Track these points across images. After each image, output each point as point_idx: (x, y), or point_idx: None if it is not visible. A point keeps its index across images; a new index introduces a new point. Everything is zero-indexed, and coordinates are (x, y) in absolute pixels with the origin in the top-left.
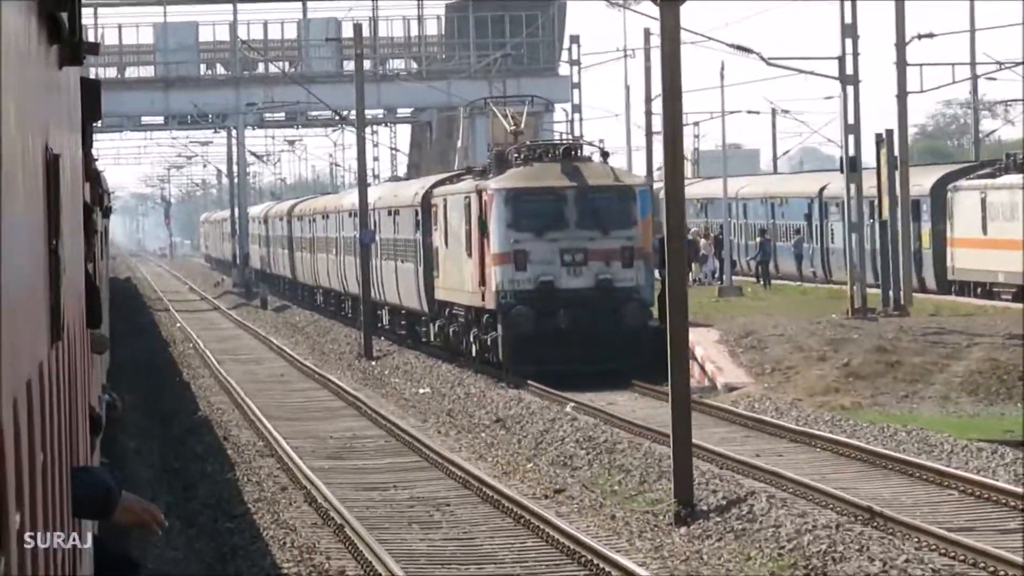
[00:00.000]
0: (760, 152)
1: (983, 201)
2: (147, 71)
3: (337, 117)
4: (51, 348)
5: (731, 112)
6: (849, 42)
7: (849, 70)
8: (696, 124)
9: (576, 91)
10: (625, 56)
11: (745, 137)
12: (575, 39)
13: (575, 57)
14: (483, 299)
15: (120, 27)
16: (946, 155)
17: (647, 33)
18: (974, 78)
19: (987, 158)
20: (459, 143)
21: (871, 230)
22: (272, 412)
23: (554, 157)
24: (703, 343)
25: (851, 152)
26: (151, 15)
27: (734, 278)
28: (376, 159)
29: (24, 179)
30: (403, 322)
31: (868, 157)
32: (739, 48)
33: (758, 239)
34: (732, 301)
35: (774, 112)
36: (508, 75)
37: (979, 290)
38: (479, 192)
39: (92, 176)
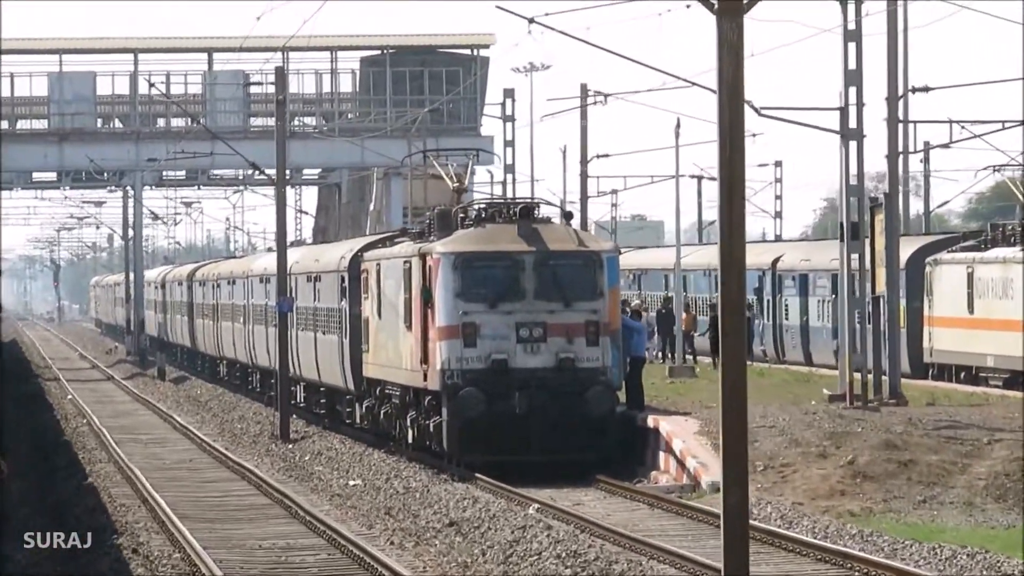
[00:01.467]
0: (664, 224)
1: (970, 276)
2: (41, 124)
3: (241, 175)
4: None
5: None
6: (853, 91)
7: (852, 123)
8: (614, 192)
9: (509, 149)
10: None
11: (651, 207)
12: (509, 93)
13: (508, 112)
14: (425, 379)
15: (12, 76)
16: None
17: (583, 89)
18: (927, 150)
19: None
20: (371, 206)
21: (833, 307)
22: (186, 510)
23: (509, 218)
24: (681, 434)
25: (854, 217)
26: (46, 64)
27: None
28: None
29: None
30: (322, 400)
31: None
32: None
33: (709, 314)
34: (688, 383)
35: (700, 179)
36: (428, 134)
37: (963, 374)
38: (423, 256)
39: None
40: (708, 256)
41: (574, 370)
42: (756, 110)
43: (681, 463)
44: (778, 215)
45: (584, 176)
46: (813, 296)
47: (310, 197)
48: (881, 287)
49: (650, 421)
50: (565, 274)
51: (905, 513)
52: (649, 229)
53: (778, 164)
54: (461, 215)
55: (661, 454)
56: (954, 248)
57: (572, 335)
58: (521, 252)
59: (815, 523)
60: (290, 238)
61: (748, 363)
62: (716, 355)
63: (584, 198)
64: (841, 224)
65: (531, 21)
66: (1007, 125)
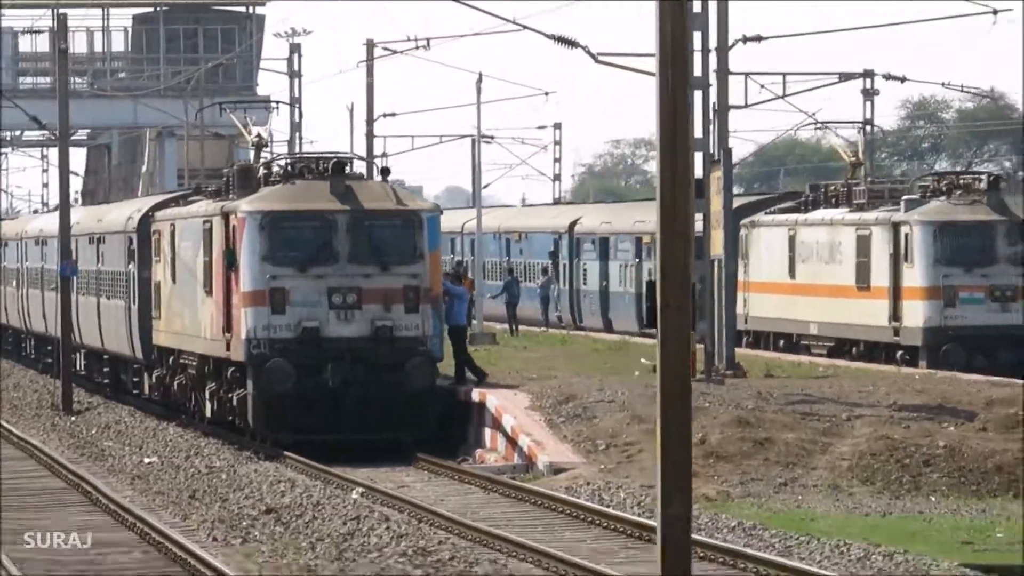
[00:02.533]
0: (422, 188)
1: (792, 239)
2: None
3: (9, 136)
4: None
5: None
6: (698, 36)
7: (697, 71)
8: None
9: (296, 108)
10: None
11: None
12: (296, 48)
13: (296, 68)
14: (228, 348)
15: None
16: (621, 195)
17: (370, 44)
18: (721, 111)
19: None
20: (144, 167)
21: (637, 271)
22: None
23: (320, 174)
24: (512, 410)
25: (698, 173)
26: None
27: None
28: (46, 185)
29: None
30: (106, 369)
31: None
32: (564, 41)
33: (505, 279)
34: (492, 350)
35: (474, 142)
36: (204, 93)
37: (781, 342)
38: (225, 216)
39: None
40: (498, 220)
41: (392, 340)
42: (593, 56)
43: (512, 441)
44: (557, 178)
45: (369, 137)
46: (614, 260)
47: (78, 160)
48: (718, 250)
49: (475, 395)
50: (382, 235)
51: (766, 497)
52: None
53: (557, 126)
54: (265, 171)
55: (487, 430)
56: (772, 210)
57: (390, 302)
58: (334, 211)
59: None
60: (56, 200)
61: (544, 329)
62: (513, 321)
63: (370, 158)
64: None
65: None
66: (841, 78)
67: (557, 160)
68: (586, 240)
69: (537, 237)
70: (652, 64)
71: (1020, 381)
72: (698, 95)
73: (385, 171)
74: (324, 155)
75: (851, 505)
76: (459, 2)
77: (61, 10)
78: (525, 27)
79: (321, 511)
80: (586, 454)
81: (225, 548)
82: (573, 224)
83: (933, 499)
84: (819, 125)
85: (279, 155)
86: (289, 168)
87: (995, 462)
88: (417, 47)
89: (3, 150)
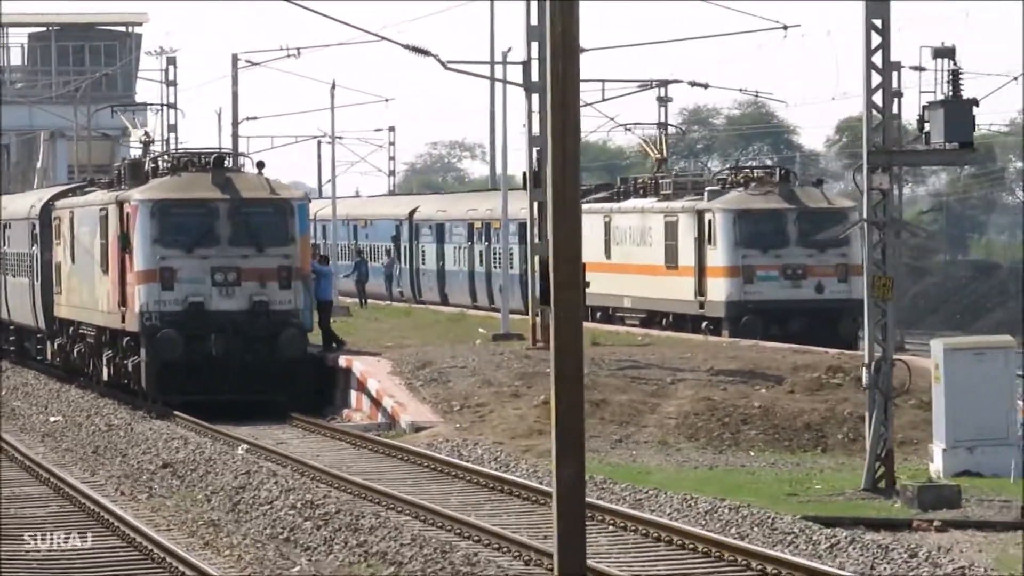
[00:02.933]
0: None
1: (607, 225)
2: None
3: None
4: None
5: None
6: (536, 46)
7: (535, 76)
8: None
9: (173, 112)
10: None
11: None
12: (172, 60)
13: (171, 78)
14: (123, 320)
15: None
16: (439, 189)
17: (234, 58)
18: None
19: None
20: (39, 164)
21: (469, 252)
22: None
23: (203, 167)
24: (376, 375)
25: (535, 167)
26: None
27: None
28: None
29: None
30: (11, 338)
31: None
32: (416, 49)
33: (355, 259)
34: (347, 321)
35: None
36: (90, 100)
37: (599, 314)
38: (120, 204)
39: None
40: (345, 208)
41: (268, 313)
42: (443, 64)
43: (376, 402)
44: (392, 173)
45: (235, 137)
46: (450, 243)
47: None
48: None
49: (342, 361)
50: (258, 221)
51: (604, 452)
52: None
53: (391, 129)
54: (153, 165)
55: (353, 393)
56: (587, 199)
57: (265, 279)
58: (216, 200)
59: (530, 466)
60: None
61: (388, 303)
62: (363, 296)
63: (235, 156)
64: (525, 173)
65: None
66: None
67: (392, 158)
68: (424, 226)
69: (381, 224)
70: (487, 70)
71: (819, 349)
72: (535, 97)
73: (260, 164)
74: (206, 151)
75: (680, 460)
76: (325, 16)
77: None
78: (383, 38)
79: (213, 466)
80: (443, 414)
81: (132, 502)
82: (412, 212)
83: (752, 454)
84: (627, 127)
85: (165, 151)
86: (175, 162)
87: (803, 420)
88: (288, 55)
89: None
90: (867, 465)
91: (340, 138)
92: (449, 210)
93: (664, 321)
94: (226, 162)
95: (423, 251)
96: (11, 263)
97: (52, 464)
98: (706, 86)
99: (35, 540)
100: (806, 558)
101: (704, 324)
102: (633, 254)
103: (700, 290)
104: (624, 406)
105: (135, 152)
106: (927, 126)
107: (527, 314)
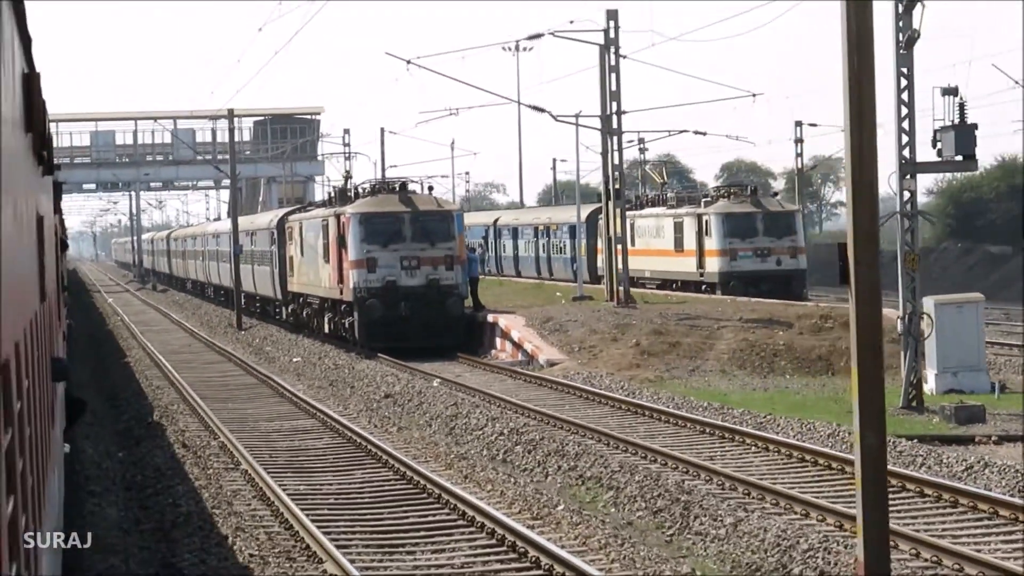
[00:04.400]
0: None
1: (632, 225)
2: (85, 159)
3: (195, 184)
4: (41, 304)
5: (428, 178)
6: (615, 103)
7: (614, 124)
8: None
9: (348, 161)
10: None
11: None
12: (347, 131)
13: (346, 141)
14: (340, 293)
15: (71, 133)
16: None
17: (382, 130)
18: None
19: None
20: (260, 199)
21: (535, 244)
22: (203, 391)
23: (391, 190)
24: (516, 326)
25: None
26: (88, 127)
27: None
28: (208, 208)
29: (26, 229)
30: (257, 305)
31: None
32: (535, 108)
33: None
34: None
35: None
36: (291, 159)
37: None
38: (337, 216)
39: (61, 225)
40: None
41: (438, 287)
42: (553, 116)
43: (518, 346)
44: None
45: (384, 176)
46: (521, 239)
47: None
48: (619, 231)
49: (490, 317)
50: (430, 225)
51: (684, 379)
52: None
53: (467, 172)
54: (354, 191)
55: (498, 340)
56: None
57: (436, 264)
58: (402, 212)
59: (638, 390)
60: (214, 216)
61: (483, 276)
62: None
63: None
64: (607, 191)
65: (408, 63)
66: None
67: (468, 190)
68: (504, 229)
69: (475, 228)
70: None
71: (810, 303)
72: (614, 139)
73: (431, 188)
74: (394, 179)
75: (739, 383)
76: (460, 81)
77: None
78: (512, 100)
79: (424, 397)
80: (567, 353)
81: (383, 433)
82: (496, 220)
83: (787, 376)
84: (653, 163)
85: (366, 180)
86: (372, 188)
87: (816, 353)
88: (449, 114)
89: (187, 191)
90: (903, 390)
91: (444, 177)
92: (520, 219)
93: (674, 285)
94: (407, 187)
95: (504, 244)
96: (257, 257)
97: (312, 399)
98: (705, 133)
99: (326, 474)
100: (947, 479)
101: (703, 287)
102: (651, 243)
103: (700, 265)
104: (690, 346)
105: (319, 190)
106: (939, 144)
107: (575, 282)
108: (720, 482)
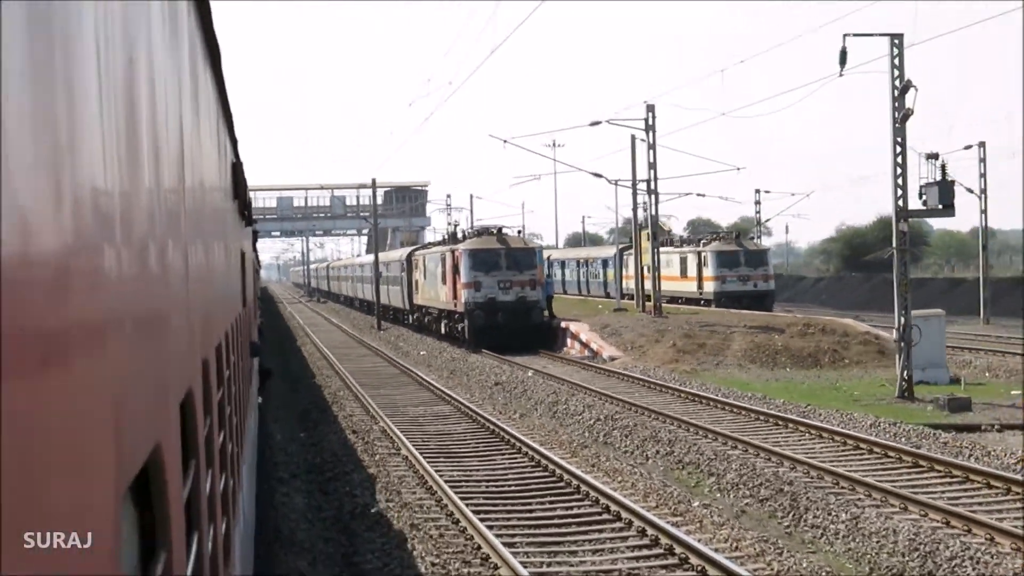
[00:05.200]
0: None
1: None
2: (272, 215)
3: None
4: (243, 308)
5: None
6: (652, 172)
7: (652, 186)
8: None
9: (450, 215)
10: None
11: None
12: (449, 196)
13: (448, 202)
14: (455, 306)
15: (264, 199)
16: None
17: (471, 196)
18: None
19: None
20: (388, 242)
21: (578, 272)
22: (361, 380)
23: (491, 234)
24: (582, 331)
25: (655, 230)
26: (275, 194)
27: None
28: (352, 248)
29: (234, 260)
30: (390, 313)
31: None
32: (595, 174)
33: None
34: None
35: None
36: (410, 215)
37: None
38: (452, 251)
39: (256, 258)
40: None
41: (525, 302)
42: (610, 181)
43: (586, 345)
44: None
45: (499, 230)
46: (567, 268)
47: (363, 239)
48: (647, 261)
49: (563, 324)
50: (519, 258)
51: (712, 371)
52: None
53: (523, 227)
54: (462, 235)
55: (568, 340)
56: (627, 248)
57: (523, 286)
58: (498, 248)
59: (680, 379)
60: (356, 252)
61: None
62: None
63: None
64: (648, 234)
65: (505, 142)
66: (680, 195)
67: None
68: (554, 261)
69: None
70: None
71: (792, 314)
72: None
73: (520, 232)
74: (492, 226)
75: (755, 376)
76: (512, 144)
77: (358, 191)
78: (578, 168)
79: (526, 385)
80: (623, 351)
81: (508, 419)
82: (548, 256)
83: (787, 370)
84: (668, 217)
85: (473, 227)
86: (477, 232)
87: (806, 352)
88: (533, 179)
89: (339, 236)
90: (898, 383)
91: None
92: (566, 255)
93: (679, 301)
94: (502, 230)
95: (555, 272)
96: (391, 280)
97: (446, 387)
98: (704, 195)
99: (472, 459)
100: (989, 465)
101: (701, 302)
102: (664, 272)
103: (700, 286)
104: (712, 346)
105: (428, 236)
106: (925, 196)
107: (605, 298)
108: (804, 469)
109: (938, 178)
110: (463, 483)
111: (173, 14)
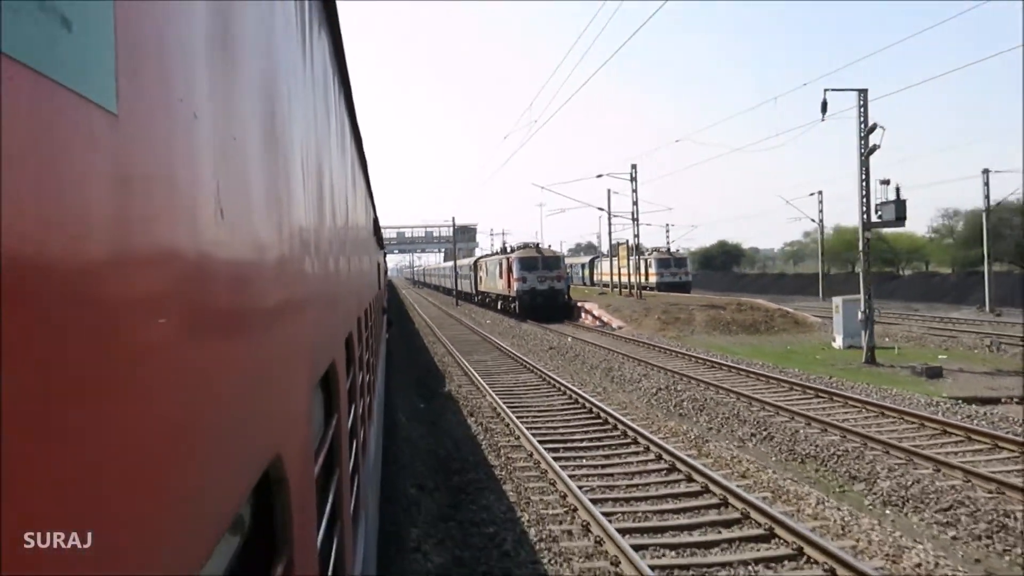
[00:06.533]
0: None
1: (598, 263)
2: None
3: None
4: (379, 290)
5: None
6: (636, 208)
7: (635, 216)
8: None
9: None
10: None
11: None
12: (491, 228)
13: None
14: (509, 292)
15: (387, 232)
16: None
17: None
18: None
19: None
20: (455, 256)
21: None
22: (455, 344)
23: (530, 247)
24: (594, 308)
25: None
26: (395, 231)
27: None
28: (438, 259)
29: (373, 265)
30: (463, 296)
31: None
32: (600, 208)
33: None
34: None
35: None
36: (467, 240)
37: (609, 288)
38: (507, 258)
39: (385, 265)
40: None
41: (554, 290)
42: (610, 215)
43: (597, 318)
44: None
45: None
46: (571, 271)
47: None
48: (623, 264)
49: (579, 303)
50: (550, 262)
51: (690, 337)
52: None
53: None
54: (510, 248)
55: (583, 315)
56: (597, 257)
57: (553, 280)
58: (536, 256)
59: (675, 344)
60: (437, 261)
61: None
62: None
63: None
64: (635, 246)
65: (542, 187)
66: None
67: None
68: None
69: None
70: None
71: (723, 296)
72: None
73: (549, 245)
74: (532, 242)
75: (724, 341)
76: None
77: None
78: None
79: (580, 351)
80: (624, 322)
81: (594, 392)
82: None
83: (740, 335)
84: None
85: (520, 244)
86: (523, 246)
87: (748, 322)
88: (561, 212)
89: (427, 252)
90: (865, 350)
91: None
92: (574, 262)
93: (635, 287)
94: (539, 246)
95: (569, 272)
96: (463, 275)
97: (519, 352)
98: (650, 224)
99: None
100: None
101: (650, 288)
102: (624, 271)
103: (647, 279)
104: (684, 319)
105: (480, 250)
106: (881, 212)
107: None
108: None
109: (892, 198)
110: (575, 471)
111: (340, 126)
